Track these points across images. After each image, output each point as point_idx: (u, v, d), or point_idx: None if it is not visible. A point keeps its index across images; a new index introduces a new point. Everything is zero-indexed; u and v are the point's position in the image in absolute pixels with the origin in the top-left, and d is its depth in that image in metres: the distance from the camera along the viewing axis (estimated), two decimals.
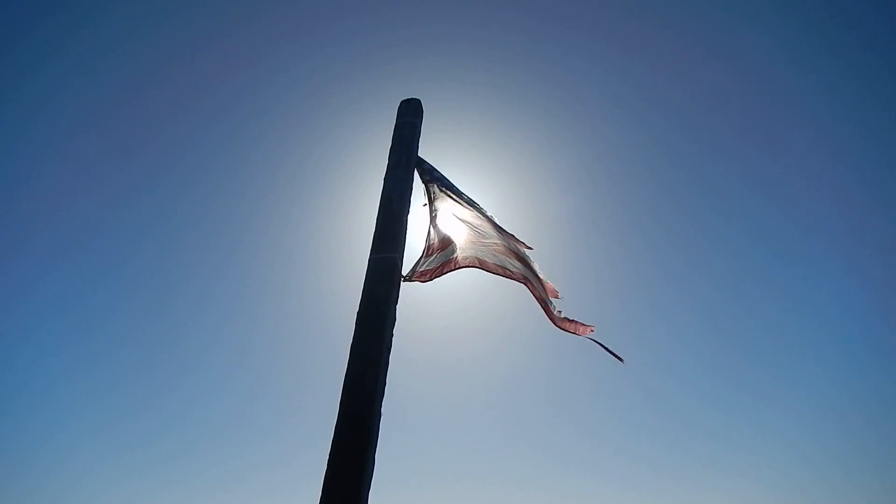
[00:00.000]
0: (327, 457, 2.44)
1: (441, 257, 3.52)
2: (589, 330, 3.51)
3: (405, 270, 3.17)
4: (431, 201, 3.58)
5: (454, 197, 3.59)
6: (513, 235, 3.60)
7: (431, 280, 3.45)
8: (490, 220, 3.61)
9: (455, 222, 3.63)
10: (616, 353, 3.41)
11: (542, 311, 3.56)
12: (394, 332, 2.86)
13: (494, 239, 3.61)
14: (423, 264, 3.44)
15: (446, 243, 3.56)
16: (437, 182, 3.58)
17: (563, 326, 3.54)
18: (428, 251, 3.48)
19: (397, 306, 2.96)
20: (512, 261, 3.61)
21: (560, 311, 3.56)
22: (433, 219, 3.56)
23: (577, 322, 3.52)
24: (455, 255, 3.55)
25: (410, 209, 3.31)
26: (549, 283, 3.61)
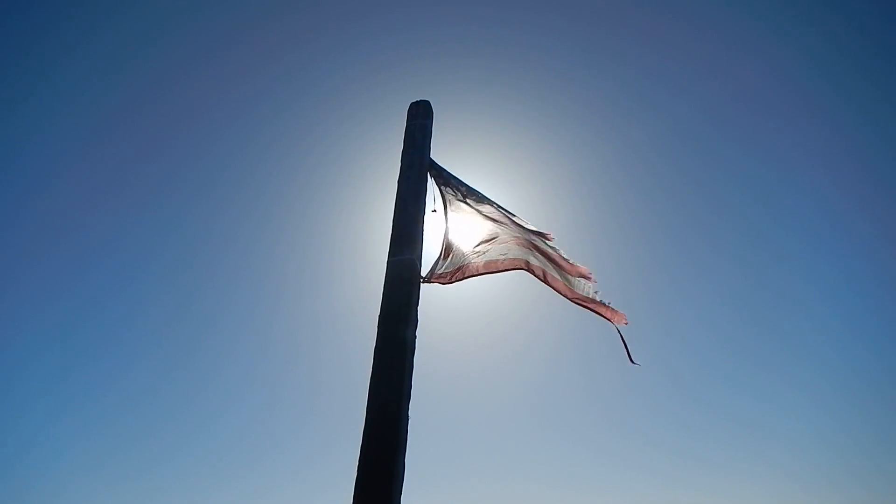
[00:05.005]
0: (356, 462, 2.41)
1: (458, 261, 3.49)
2: (623, 320, 3.44)
3: (424, 271, 3.15)
4: (445, 205, 3.57)
5: (468, 198, 3.57)
6: (530, 230, 3.57)
7: (451, 283, 3.43)
8: (506, 214, 3.59)
9: (469, 224, 3.61)
10: (632, 354, 3.37)
11: (560, 292, 3.53)
12: (416, 334, 2.84)
13: (512, 232, 3.58)
14: (441, 266, 3.42)
15: (461, 248, 3.53)
16: (450, 185, 3.57)
17: (594, 308, 3.48)
18: (445, 254, 3.46)
19: (418, 308, 2.93)
20: (531, 251, 3.58)
21: (597, 293, 3.50)
22: (447, 222, 3.55)
23: (612, 308, 3.46)
24: (470, 262, 3.51)
25: (426, 210, 3.30)
26: (579, 266, 3.56)
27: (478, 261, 3.52)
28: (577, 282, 3.57)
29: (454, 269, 3.44)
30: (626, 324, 3.42)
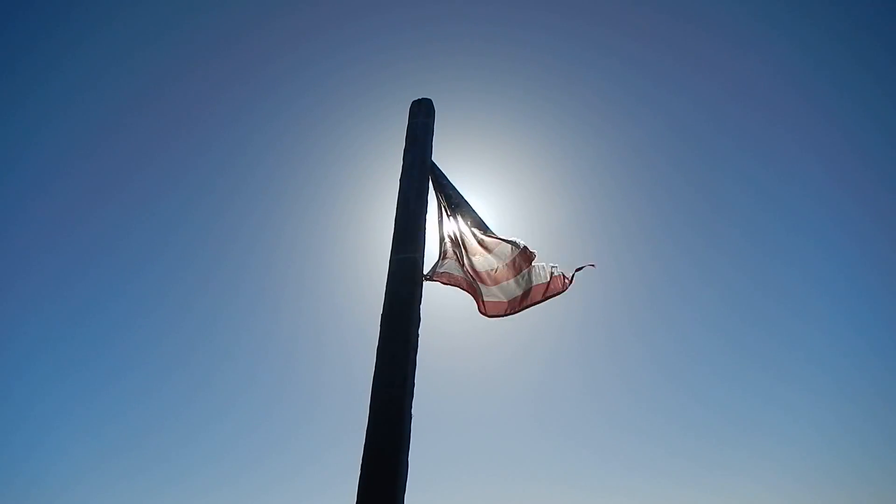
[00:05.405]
0: (360, 460, 2.42)
1: (454, 267, 3.48)
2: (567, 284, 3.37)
3: (426, 269, 3.15)
4: (440, 211, 3.56)
5: (457, 211, 3.52)
6: (514, 243, 3.46)
7: (449, 285, 3.42)
8: (490, 236, 3.50)
9: (460, 239, 3.57)
10: (584, 265, 3.33)
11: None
12: (419, 332, 2.84)
13: (491, 264, 3.51)
14: (441, 266, 3.43)
15: (456, 257, 3.51)
16: (445, 196, 3.54)
17: (555, 292, 3.40)
18: (444, 255, 3.47)
19: (421, 306, 2.94)
20: (507, 283, 3.50)
21: (555, 267, 3.41)
22: (443, 226, 3.54)
23: (563, 275, 3.39)
24: (461, 276, 3.47)
25: (427, 208, 3.30)
26: (558, 278, 3.45)
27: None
28: (536, 269, 3.44)
29: (452, 274, 3.41)
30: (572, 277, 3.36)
